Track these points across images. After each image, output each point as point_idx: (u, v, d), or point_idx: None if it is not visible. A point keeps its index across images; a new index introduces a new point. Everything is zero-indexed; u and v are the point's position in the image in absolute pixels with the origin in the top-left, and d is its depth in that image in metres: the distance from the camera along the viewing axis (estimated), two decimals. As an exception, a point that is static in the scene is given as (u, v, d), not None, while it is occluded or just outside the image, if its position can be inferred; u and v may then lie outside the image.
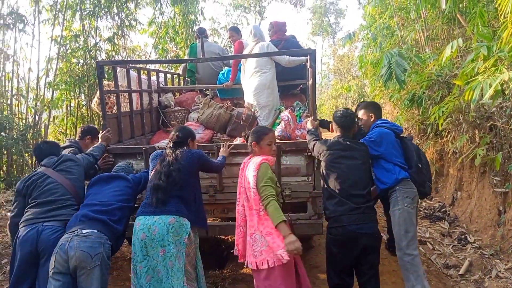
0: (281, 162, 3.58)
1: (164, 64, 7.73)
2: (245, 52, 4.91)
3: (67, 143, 3.93)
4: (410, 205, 3.23)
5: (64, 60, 8.21)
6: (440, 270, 4.14)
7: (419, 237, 4.78)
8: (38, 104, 7.64)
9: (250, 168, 2.77)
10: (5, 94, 7.39)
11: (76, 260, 2.47)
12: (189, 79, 6.42)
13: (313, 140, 3.25)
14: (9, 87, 7.45)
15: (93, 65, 8.12)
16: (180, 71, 7.00)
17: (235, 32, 5.73)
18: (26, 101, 7.68)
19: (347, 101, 17.78)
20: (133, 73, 4.96)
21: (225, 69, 5.70)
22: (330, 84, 22.24)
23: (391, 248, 4.41)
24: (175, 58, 10.71)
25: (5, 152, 7.12)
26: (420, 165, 3.36)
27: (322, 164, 3.04)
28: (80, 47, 8.33)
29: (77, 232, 2.56)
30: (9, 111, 7.28)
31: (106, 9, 8.70)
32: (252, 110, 4.73)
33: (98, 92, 4.24)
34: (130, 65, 5.01)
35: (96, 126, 5.62)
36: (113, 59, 8.82)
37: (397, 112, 7.80)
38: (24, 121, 7.63)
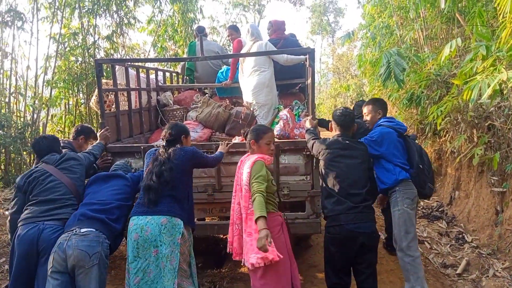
0: (280, 161, 3.58)
1: (163, 63, 7.70)
2: (243, 51, 4.91)
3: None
4: (410, 206, 3.23)
5: (63, 58, 8.19)
6: (437, 269, 4.16)
7: (417, 236, 4.79)
8: (36, 102, 7.62)
9: (245, 165, 2.78)
10: (3, 92, 7.37)
11: (74, 259, 2.47)
12: (187, 78, 6.42)
13: (312, 139, 3.25)
14: (7, 85, 7.43)
15: (92, 63, 8.10)
16: (179, 69, 7.00)
17: (234, 30, 5.72)
18: (24, 99, 7.66)
19: (346, 100, 17.79)
20: (132, 72, 4.95)
21: (224, 67, 5.69)
22: (329, 83, 22.24)
23: (388, 247, 4.43)
24: (174, 57, 10.70)
25: (3, 150, 7.12)
26: (421, 165, 3.29)
27: (321, 163, 3.04)
28: (79, 45, 8.31)
29: (76, 231, 2.56)
30: (7, 109, 7.27)
31: (105, 7, 8.68)
32: (251, 109, 4.73)
33: (96, 90, 4.23)
34: (129, 63, 5.00)
35: (95, 125, 5.57)
36: (111, 57, 8.80)
37: (396, 112, 7.81)
38: (22, 119, 7.61)
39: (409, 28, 6.82)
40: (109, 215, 2.75)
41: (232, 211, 2.91)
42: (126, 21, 9.49)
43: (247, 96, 4.80)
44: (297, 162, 3.62)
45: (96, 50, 8.63)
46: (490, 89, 2.92)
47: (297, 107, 4.87)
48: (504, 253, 4.12)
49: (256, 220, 2.52)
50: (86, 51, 8.34)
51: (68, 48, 8.28)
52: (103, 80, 4.30)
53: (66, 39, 8.18)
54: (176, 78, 6.90)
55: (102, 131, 3.79)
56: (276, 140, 3.42)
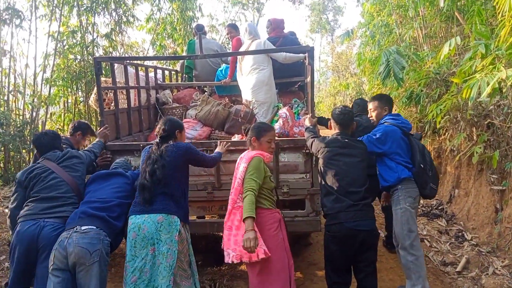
0: (279, 159, 3.58)
1: (162, 61, 7.70)
2: (242, 50, 4.90)
3: None
4: (412, 205, 3.22)
5: (61, 56, 8.17)
6: (437, 267, 4.17)
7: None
8: (35, 100, 7.61)
9: (243, 161, 2.79)
10: (2, 90, 7.34)
11: (75, 257, 2.47)
12: (187, 76, 6.41)
13: (311, 138, 3.25)
14: (6, 83, 7.42)
15: (91, 61, 8.08)
16: (178, 67, 6.99)
17: (233, 28, 5.71)
18: (23, 97, 7.65)
19: (345, 99, 17.81)
20: (131, 70, 4.94)
21: (223, 66, 5.68)
22: (328, 81, 22.26)
23: (388, 245, 4.43)
24: (173, 55, 10.68)
25: (2, 148, 7.11)
26: (422, 165, 3.24)
27: (320, 161, 3.04)
28: (78, 43, 8.28)
29: (76, 229, 2.56)
30: (6, 107, 7.25)
31: (103, 5, 8.65)
32: (250, 107, 4.73)
33: (95, 88, 4.23)
34: (128, 61, 4.99)
35: (94, 123, 5.54)
36: (110, 55, 8.78)
37: (395, 110, 7.81)
38: (21, 117, 7.60)
39: (408, 27, 6.82)
40: (110, 213, 2.75)
41: None
42: (124, 19, 9.46)
43: (247, 94, 4.80)
44: (297, 160, 3.62)
45: (95, 48, 8.60)
46: (489, 87, 2.92)
47: (296, 105, 4.87)
48: (503, 251, 4.13)
49: (244, 220, 2.55)
50: (85, 49, 8.31)
51: (66, 46, 8.25)
52: (102, 78, 4.29)
53: (65, 37, 8.14)
54: (175, 76, 6.89)
55: (101, 129, 3.79)
56: (275, 138, 3.42)
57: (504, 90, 4.12)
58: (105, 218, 2.70)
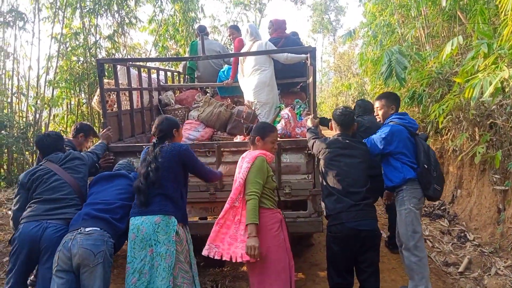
0: (281, 160, 3.58)
1: (165, 62, 7.71)
2: (243, 51, 4.91)
3: None
4: (416, 206, 3.21)
5: (64, 58, 8.22)
6: (439, 267, 4.16)
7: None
8: (39, 102, 7.65)
9: (245, 160, 2.80)
10: (5, 92, 7.39)
11: (79, 258, 2.48)
12: (189, 77, 6.42)
13: (313, 138, 3.25)
14: (10, 85, 7.47)
15: (93, 63, 8.12)
16: (180, 69, 7.01)
17: (235, 30, 5.73)
18: (26, 99, 7.69)
19: (347, 99, 17.79)
20: (134, 71, 4.96)
21: (226, 67, 5.69)
22: (330, 82, 22.25)
23: (390, 245, 4.43)
24: (175, 56, 10.71)
25: (6, 150, 7.14)
26: (426, 165, 3.20)
27: (321, 162, 3.04)
28: (80, 45, 8.33)
29: (80, 230, 2.57)
30: (9, 109, 7.30)
31: (106, 7, 8.70)
32: (253, 108, 4.73)
33: (98, 90, 4.25)
34: (131, 63, 5.01)
35: (96, 124, 5.55)
36: (113, 57, 8.82)
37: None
38: (24, 119, 7.65)
39: (410, 26, 6.81)
40: (113, 215, 2.76)
41: None
42: (127, 21, 9.52)
43: (249, 95, 4.81)
44: (299, 161, 3.62)
45: (98, 50, 8.65)
46: (491, 87, 2.92)
47: (298, 106, 4.87)
48: (506, 251, 4.12)
49: (247, 225, 2.58)
50: (87, 51, 8.35)
51: (69, 48, 8.30)
52: (105, 80, 4.31)
53: (68, 39, 8.20)
54: (177, 78, 6.91)
55: (104, 131, 3.81)
56: (278, 139, 3.43)
57: (506, 90, 4.11)
58: (108, 219, 2.71)
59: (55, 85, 7.99)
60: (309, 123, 3.57)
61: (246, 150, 3.03)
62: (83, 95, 8.77)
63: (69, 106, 8.78)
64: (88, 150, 3.56)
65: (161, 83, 5.87)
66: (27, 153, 7.22)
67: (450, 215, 5.40)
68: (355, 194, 2.81)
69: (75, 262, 2.49)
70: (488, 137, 4.43)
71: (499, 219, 4.38)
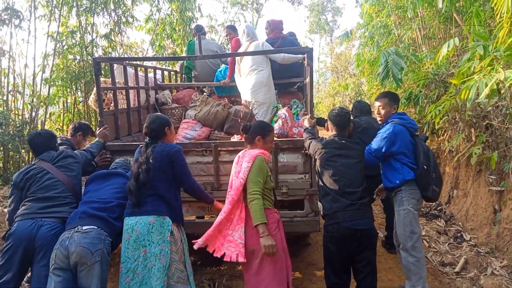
0: (278, 160, 3.59)
1: (161, 61, 7.70)
2: (240, 51, 4.91)
3: (58, 141, 3.89)
4: (415, 207, 3.22)
5: (61, 56, 8.17)
6: (436, 267, 4.18)
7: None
8: (35, 100, 7.61)
9: (245, 159, 2.79)
10: (1, 90, 7.35)
11: (77, 256, 2.48)
12: (186, 76, 6.41)
13: (309, 139, 3.26)
14: (5, 83, 7.41)
15: (90, 62, 8.09)
16: (177, 68, 7.00)
17: (232, 30, 5.72)
18: (22, 97, 7.65)
19: (344, 99, 17.83)
20: (130, 70, 4.95)
21: (223, 66, 5.70)
22: (327, 82, 22.29)
23: (387, 245, 4.44)
24: (172, 55, 10.69)
25: (2, 148, 7.11)
26: (425, 166, 3.20)
27: (318, 162, 3.04)
28: (77, 43, 8.29)
29: (78, 229, 2.57)
30: (5, 107, 7.25)
31: (102, 5, 8.66)
32: (250, 108, 4.73)
33: (95, 88, 4.23)
34: (127, 62, 4.99)
35: (93, 123, 5.53)
36: (109, 55, 8.78)
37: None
38: (20, 117, 7.60)
39: (407, 28, 6.84)
40: (110, 214, 2.76)
41: None
42: (124, 20, 9.47)
43: (246, 95, 4.81)
44: (296, 160, 3.62)
45: (94, 48, 8.60)
46: (487, 88, 2.93)
47: (295, 106, 4.87)
48: (502, 252, 4.14)
49: (256, 226, 2.60)
50: (84, 49, 8.31)
51: (66, 47, 8.26)
52: (102, 79, 4.29)
53: (64, 37, 8.16)
54: (174, 77, 6.90)
55: (100, 130, 3.80)
56: (275, 139, 3.43)
57: (502, 91, 4.14)
58: (105, 218, 2.70)
59: (51, 83, 7.95)
60: (306, 123, 3.58)
61: (242, 149, 3.04)
62: (79, 93, 8.73)
63: (65, 104, 8.73)
64: (83, 148, 3.55)
65: (158, 82, 5.86)
66: (23, 151, 7.18)
67: (446, 215, 5.42)
68: (351, 194, 2.82)
69: (72, 260, 2.48)
70: (484, 138, 4.46)
71: (495, 220, 4.41)
